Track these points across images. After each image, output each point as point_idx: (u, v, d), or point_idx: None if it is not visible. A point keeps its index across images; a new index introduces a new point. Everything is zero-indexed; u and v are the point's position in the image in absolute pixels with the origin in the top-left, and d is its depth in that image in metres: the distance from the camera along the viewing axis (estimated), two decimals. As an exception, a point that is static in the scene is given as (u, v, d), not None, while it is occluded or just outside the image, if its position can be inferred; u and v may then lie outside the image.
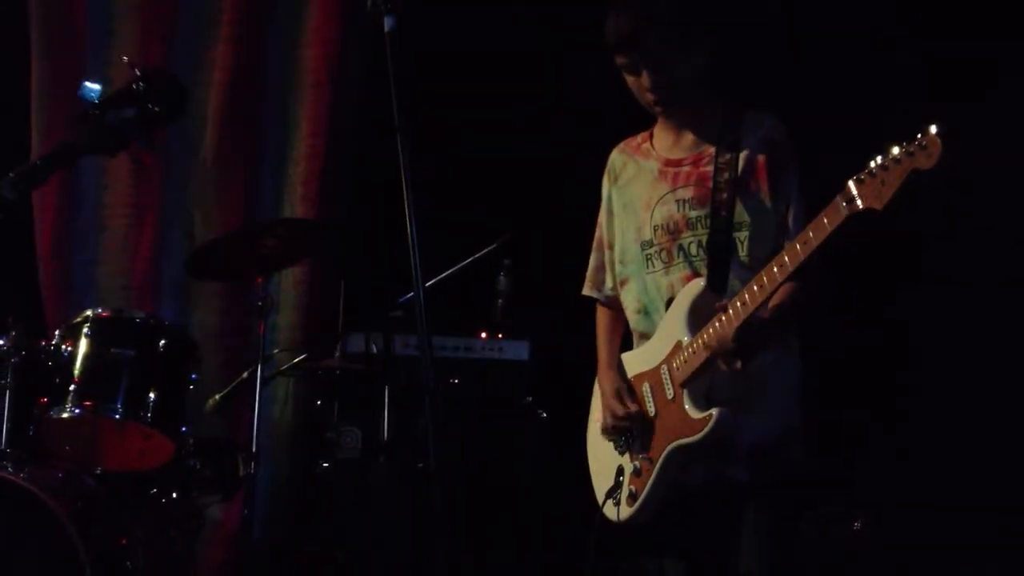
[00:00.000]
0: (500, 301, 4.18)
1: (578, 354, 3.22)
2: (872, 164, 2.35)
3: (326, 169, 4.72)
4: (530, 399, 4.33)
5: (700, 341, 2.63)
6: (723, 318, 2.57)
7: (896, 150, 2.31)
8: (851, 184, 2.38)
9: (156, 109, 2.61)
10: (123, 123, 2.61)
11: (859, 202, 2.36)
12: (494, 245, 4.06)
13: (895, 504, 4.13)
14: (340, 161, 4.75)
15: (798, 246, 2.47)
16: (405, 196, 2.62)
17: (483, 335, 4.37)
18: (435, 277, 3.94)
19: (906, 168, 2.29)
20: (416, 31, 2.87)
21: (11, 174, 2.59)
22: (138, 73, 2.61)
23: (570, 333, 3.64)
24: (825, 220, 2.43)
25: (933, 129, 2.27)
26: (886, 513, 4.00)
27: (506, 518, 4.28)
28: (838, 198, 2.41)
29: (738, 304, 2.55)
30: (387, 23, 2.70)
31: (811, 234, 2.45)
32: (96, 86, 2.61)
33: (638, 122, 2.94)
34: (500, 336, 4.36)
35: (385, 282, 3.91)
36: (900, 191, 2.30)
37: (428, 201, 2.70)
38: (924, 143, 2.28)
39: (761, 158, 2.71)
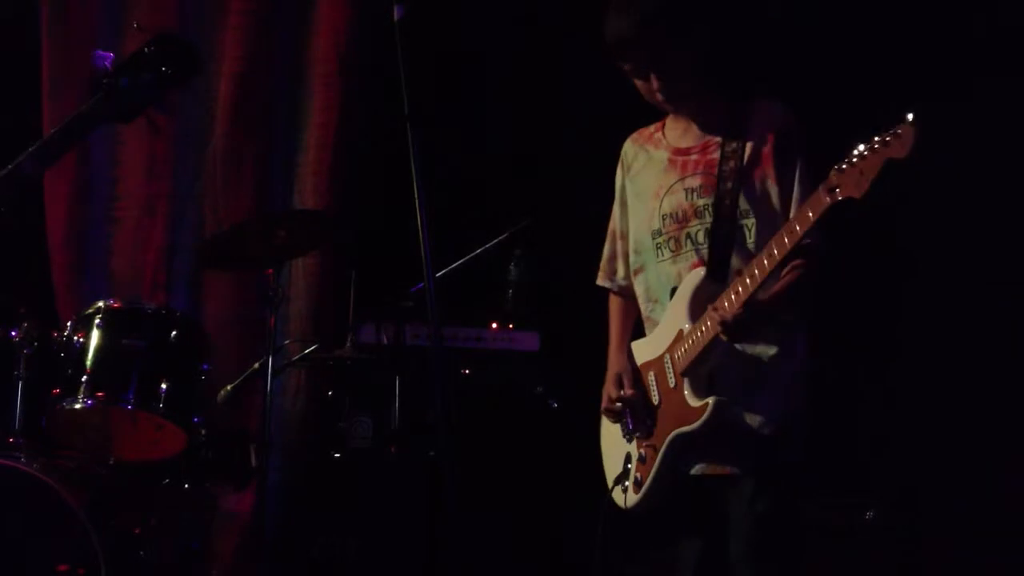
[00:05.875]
0: (511, 291, 4.17)
1: (589, 344, 3.22)
2: (853, 152, 2.35)
3: (337, 159, 4.71)
4: (541, 389, 4.33)
5: (704, 327, 2.63)
6: (725, 301, 2.58)
7: (876, 139, 2.31)
8: (833, 173, 2.39)
9: (169, 71, 2.61)
10: (138, 87, 2.60)
11: (839, 192, 2.37)
12: (505, 235, 4.05)
13: (907, 493, 4.12)
14: (351, 151, 4.75)
15: (785, 237, 2.49)
16: (416, 186, 2.62)
17: (494, 325, 4.36)
18: (446, 267, 3.93)
19: (881, 158, 2.29)
20: (427, 19, 2.86)
21: (30, 148, 2.58)
22: (149, 37, 2.61)
23: (581, 323, 3.64)
24: (809, 211, 2.45)
25: (909, 117, 2.26)
26: (898, 502, 3.99)
27: (517, 508, 4.29)
28: (821, 188, 2.42)
29: (739, 288, 2.56)
30: (396, 12, 2.70)
31: (797, 226, 2.47)
32: (109, 53, 2.60)
33: (649, 112, 2.94)
34: (511, 326, 4.36)
35: (396, 272, 3.90)
36: (878, 181, 2.30)
37: (439, 191, 2.70)
38: (898, 132, 2.27)
39: (767, 146, 2.72)
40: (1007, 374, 4.14)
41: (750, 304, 2.55)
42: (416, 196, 2.62)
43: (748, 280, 2.55)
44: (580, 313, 3.63)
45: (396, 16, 2.69)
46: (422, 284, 2.74)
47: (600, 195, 3.13)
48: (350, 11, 4.73)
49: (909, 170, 2.26)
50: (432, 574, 4.00)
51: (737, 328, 2.57)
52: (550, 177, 4.56)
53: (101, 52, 2.61)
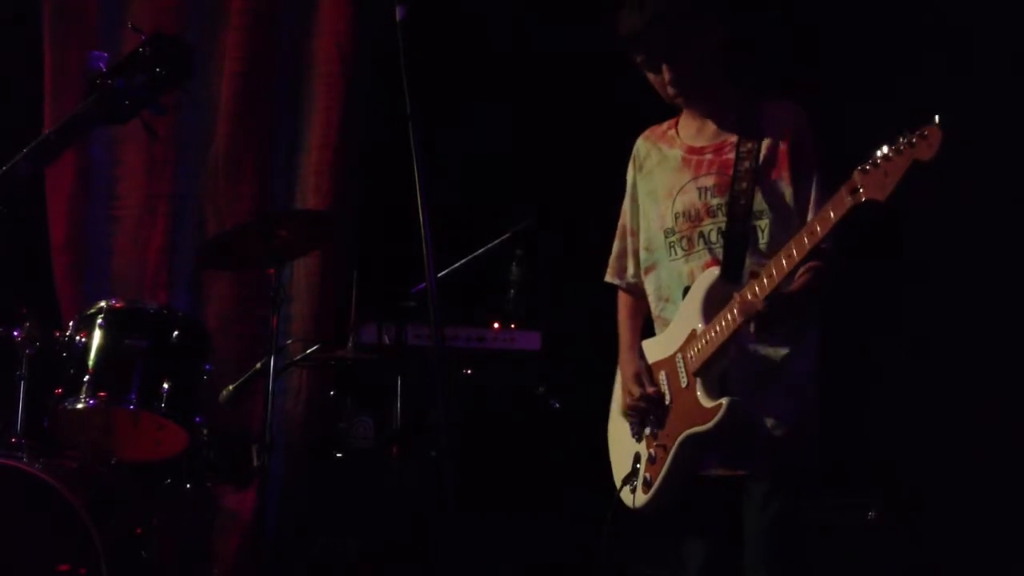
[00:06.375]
0: (512, 291, 4.17)
1: (590, 344, 3.22)
2: (877, 153, 2.32)
3: (338, 159, 4.71)
4: (542, 389, 4.34)
5: (721, 324, 2.61)
6: (748, 294, 2.56)
7: (901, 140, 2.28)
8: (856, 174, 2.36)
9: (164, 72, 2.58)
10: (132, 89, 2.57)
11: (862, 193, 2.34)
12: (507, 235, 4.05)
13: (907, 493, 4.13)
14: (352, 151, 4.75)
15: (805, 238, 2.47)
16: (417, 186, 2.62)
17: (496, 325, 4.37)
18: (448, 267, 3.94)
19: (907, 159, 2.26)
20: (429, 19, 2.86)
21: (25, 150, 2.56)
22: (144, 38, 2.58)
23: (582, 323, 3.64)
24: (831, 212, 2.42)
25: (936, 119, 2.23)
26: (898, 502, 3.99)
27: (519, 508, 4.29)
28: (843, 189, 2.39)
29: (763, 281, 2.54)
30: (399, 12, 2.70)
31: (818, 227, 2.45)
32: (103, 54, 2.57)
33: (652, 112, 2.94)
34: (512, 326, 4.36)
35: (397, 272, 3.91)
36: (903, 183, 2.26)
37: (441, 191, 2.70)
38: (925, 133, 2.24)
39: (783, 147, 2.71)
40: (1008, 375, 4.14)
41: (771, 299, 2.53)
42: (418, 196, 2.62)
43: (766, 280, 2.53)
44: (582, 313, 3.63)
45: (398, 16, 2.70)
46: (423, 284, 2.74)
47: (601, 194, 3.12)
48: (351, 11, 4.73)
49: (934, 173, 2.23)
50: (432, 574, 4.00)
51: (763, 320, 2.54)
52: (551, 177, 4.57)
53: (96, 52, 2.59)
